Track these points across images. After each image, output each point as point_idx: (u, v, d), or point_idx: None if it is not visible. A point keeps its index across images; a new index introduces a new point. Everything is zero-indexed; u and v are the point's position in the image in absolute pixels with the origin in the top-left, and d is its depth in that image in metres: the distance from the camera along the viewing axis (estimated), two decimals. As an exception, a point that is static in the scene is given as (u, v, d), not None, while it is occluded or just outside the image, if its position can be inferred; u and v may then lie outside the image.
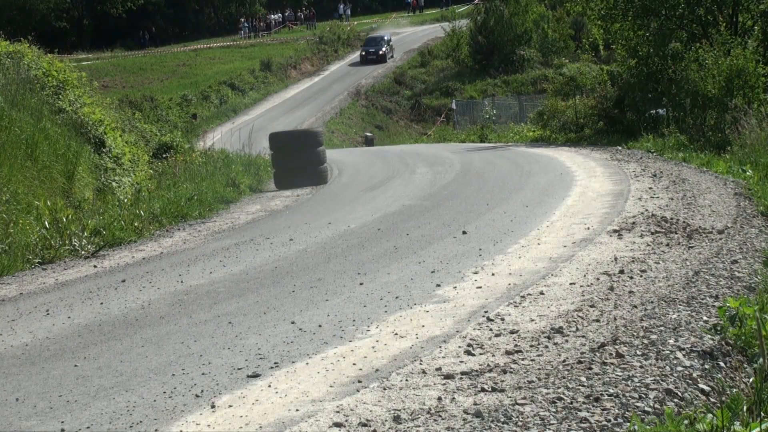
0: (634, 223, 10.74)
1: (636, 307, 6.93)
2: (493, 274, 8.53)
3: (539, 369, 5.57)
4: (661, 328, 6.28)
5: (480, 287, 8.01)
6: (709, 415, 4.52)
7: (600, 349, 5.82)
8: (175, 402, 5.44)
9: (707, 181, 14.64)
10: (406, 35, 64.58)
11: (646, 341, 5.97)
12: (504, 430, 4.66)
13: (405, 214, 13.39)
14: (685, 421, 4.44)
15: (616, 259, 8.79)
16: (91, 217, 13.28)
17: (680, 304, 6.92)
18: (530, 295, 7.59)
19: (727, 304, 6.14)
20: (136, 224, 13.58)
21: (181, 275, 9.80)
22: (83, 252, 11.95)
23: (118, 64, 58.93)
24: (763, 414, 4.75)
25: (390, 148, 33.15)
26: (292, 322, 7.19)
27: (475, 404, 5.03)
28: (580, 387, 5.18)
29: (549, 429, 4.64)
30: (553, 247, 9.71)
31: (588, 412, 4.83)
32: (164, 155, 21.87)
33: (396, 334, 6.64)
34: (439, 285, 8.20)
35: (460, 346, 6.18)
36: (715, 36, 23.60)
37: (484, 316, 6.95)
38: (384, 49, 57.24)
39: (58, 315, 8.21)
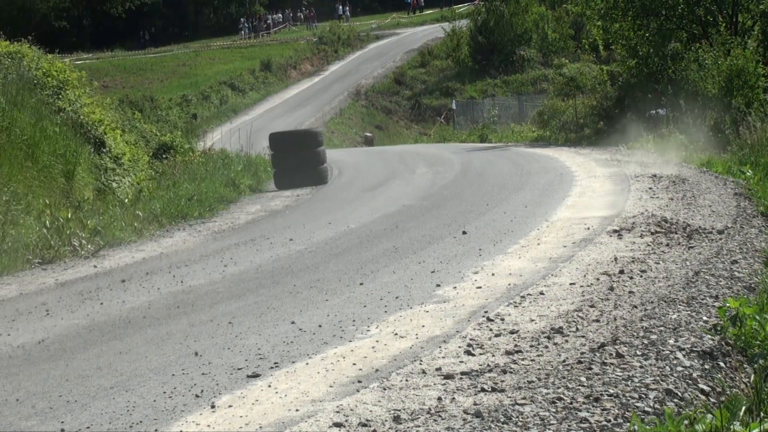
0: (634, 223, 10.74)
1: (636, 307, 6.93)
2: (493, 274, 8.53)
3: (539, 369, 5.57)
4: (661, 328, 6.28)
5: (480, 287, 8.01)
6: (709, 416, 4.52)
7: (600, 349, 5.82)
8: (175, 402, 5.44)
9: (707, 181, 14.65)
10: (406, 35, 64.53)
11: (646, 341, 5.97)
12: (504, 430, 4.66)
13: (405, 214, 13.39)
14: (685, 421, 4.45)
15: (616, 259, 8.79)
16: (91, 217, 13.28)
17: (680, 304, 6.92)
18: (530, 295, 7.59)
19: (727, 305, 6.14)
20: (136, 224, 13.58)
21: (181, 275, 9.80)
22: (83, 252, 11.94)
23: (118, 64, 58.88)
24: (762, 414, 4.75)
25: (390, 149, 33.15)
26: (292, 322, 7.19)
27: (475, 404, 5.03)
28: (580, 387, 5.18)
29: (549, 429, 4.64)
30: (553, 247, 9.70)
31: (588, 412, 4.83)
32: (164, 155, 21.86)
33: (396, 334, 6.64)
34: (439, 285, 8.20)
35: (460, 346, 6.18)
36: (714, 36, 23.60)
37: (484, 316, 6.95)
38: None
39: (58, 315, 8.21)
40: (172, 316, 7.83)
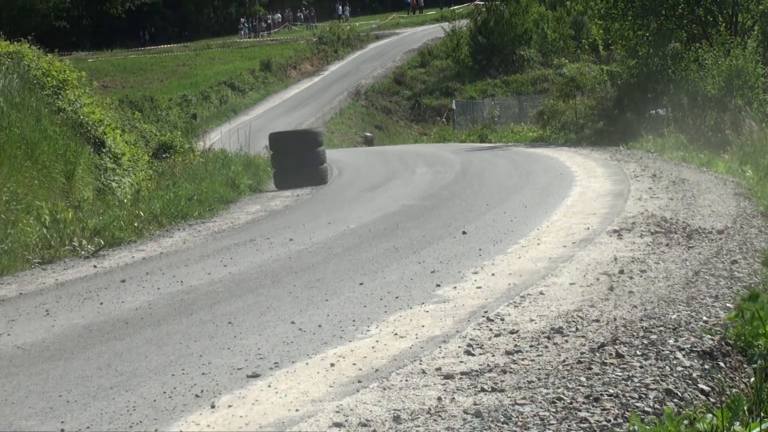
0: (633, 223, 10.74)
1: (636, 307, 6.93)
2: (493, 274, 8.53)
3: (539, 369, 5.57)
4: (661, 328, 6.28)
5: (480, 287, 8.01)
6: (709, 415, 4.52)
7: (600, 349, 5.82)
8: (175, 402, 5.44)
9: (707, 181, 14.66)
10: (406, 35, 64.55)
11: (645, 341, 5.97)
12: (504, 430, 4.66)
13: (405, 214, 13.39)
14: (685, 421, 4.44)
15: (615, 259, 8.79)
16: (91, 217, 13.28)
17: (680, 304, 6.93)
18: (530, 295, 7.59)
19: (739, 303, 6.13)
20: (136, 224, 13.58)
21: (181, 275, 9.80)
22: (83, 252, 11.94)
23: (118, 64, 58.90)
24: (763, 414, 4.75)
25: (390, 149, 33.16)
26: (292, 322, 7.19)
27: (474, 404, 5.03)
28: (579, 387, 5.18)
29: (549, 429, 4.64)
30: (552, 247, 9.71)
31: (588, 412, 4.83)
32: (164, 155, 21.87)
33: (396, 334, 6.64)
34: (439, 285, 8.20)
35: (460, 346, 6.18)
36: (714, 36, 23.59)
37: (484, 316, 6.95)
38: None
39: (58, 315, 8.21)
40: (172, 316, 7.83)
